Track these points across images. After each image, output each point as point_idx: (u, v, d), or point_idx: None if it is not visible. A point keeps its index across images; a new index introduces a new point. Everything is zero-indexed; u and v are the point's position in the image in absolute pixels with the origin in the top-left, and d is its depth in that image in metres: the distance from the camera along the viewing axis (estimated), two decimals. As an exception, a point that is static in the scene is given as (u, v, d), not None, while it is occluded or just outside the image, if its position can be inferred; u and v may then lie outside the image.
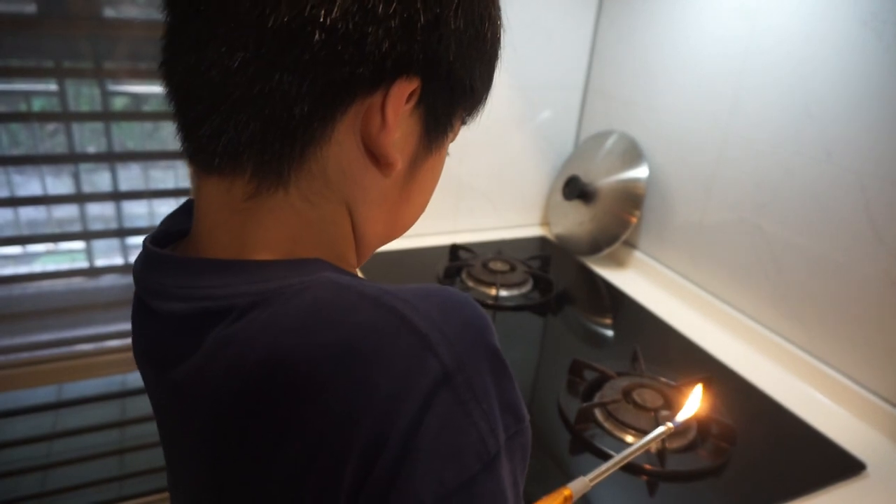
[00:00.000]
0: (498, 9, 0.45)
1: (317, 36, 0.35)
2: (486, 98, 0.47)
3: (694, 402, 0.72)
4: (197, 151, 0.39)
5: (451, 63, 0.40)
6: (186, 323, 0.38)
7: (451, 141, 0.48)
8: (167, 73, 0.39)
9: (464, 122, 0.48)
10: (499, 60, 0.47)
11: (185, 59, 0.37)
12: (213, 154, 0.38)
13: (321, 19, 0.34)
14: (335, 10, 0.34)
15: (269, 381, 0.33)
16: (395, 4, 0.36)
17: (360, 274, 0.44)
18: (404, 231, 0.50)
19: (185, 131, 0.39)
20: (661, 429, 0.68)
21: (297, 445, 0.32)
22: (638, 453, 0.65)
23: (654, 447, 0.80)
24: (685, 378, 0.92)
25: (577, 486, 0.62)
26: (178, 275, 0.39)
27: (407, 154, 0.42)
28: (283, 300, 0.35)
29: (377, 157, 0.40)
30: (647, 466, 0.77)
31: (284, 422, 0.32)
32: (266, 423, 0.33)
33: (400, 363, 0.31)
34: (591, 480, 0.62)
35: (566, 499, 0.61)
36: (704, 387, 0.73)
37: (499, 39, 0.45)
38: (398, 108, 0.38)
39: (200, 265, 0.39)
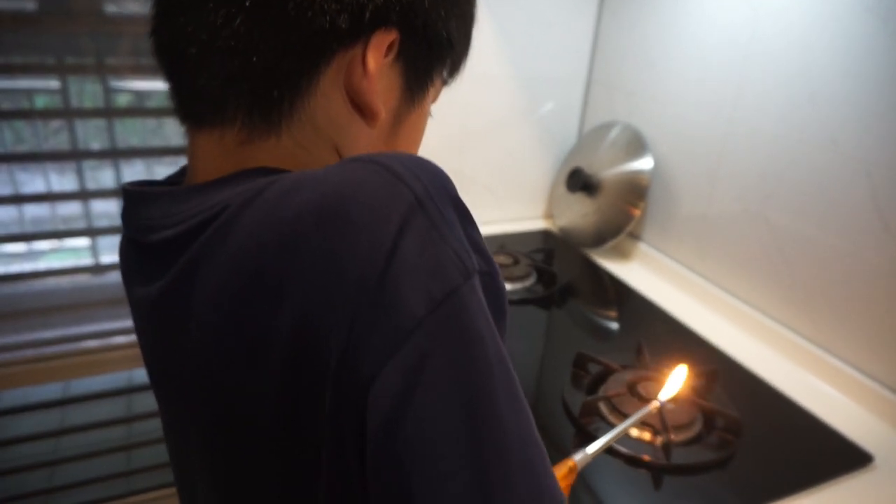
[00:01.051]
0: None
1: None
2: (465, 57, 0.49)
3: (677, 381, 0.79)
4: (189, 109, 0.42)
5: (427, 14, 0.42)
6: (179, 242, 0.39)
7: (434, 100, 0.49)
8: (157, 38, 0.41)
9: (445, 82, 0.49)
10: (475, 20, 0.49)
11: (173, 21, 0.39)
12: (203, 108, 0.40)
13: None
14: None
15: (259, 247, 0.34)
16: None
17: None
18: None
19: (177, 91, 0.42)
20: (648, 407, 0.76)
21: (297, 297, 0.32)
22: (630, 428, 0.73)
23: (659, 441, 0.79)
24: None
25: (580, 457, 0.67)
26: (166, 205, 0.41)
27: (390, 106, 0.44)
28: (270, 186, 0.35)
29: (361, 108, 0.42)
30: (653, 459, 0.77)
31: (277, 285, 0.33)
32: (262, 291, 0.33)
33: (378, 196, 0.32)
34: (591, 453, 0.68)
35: (571, 469, 0.65)
36: (689, 367, 0.81)
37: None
38: (378, 58, 0.41)
39: (188, 191, 0.40)
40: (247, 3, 0.37)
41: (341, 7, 0.38)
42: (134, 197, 0.43)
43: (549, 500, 0.33)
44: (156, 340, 0.45)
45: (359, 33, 0.40)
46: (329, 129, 0.42)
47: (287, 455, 0.35)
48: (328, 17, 0.38)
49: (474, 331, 0.32)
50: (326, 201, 0.32)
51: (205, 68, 0.39)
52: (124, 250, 0.48)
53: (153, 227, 0.41)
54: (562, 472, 0.65)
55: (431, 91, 0.47)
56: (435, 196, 0.34)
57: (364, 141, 0.44)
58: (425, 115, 0.49)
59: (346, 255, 0.31)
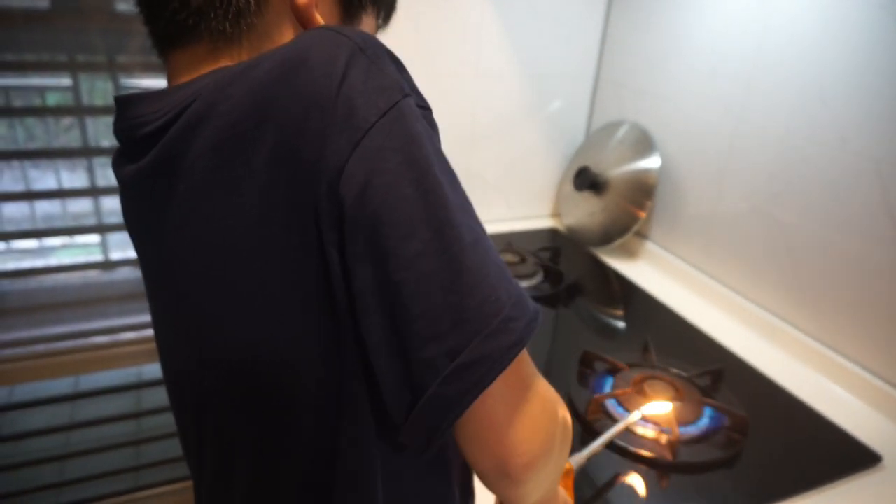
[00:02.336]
0: None
1: None
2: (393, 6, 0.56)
3: (663, 408, 0.82)
4: (163, 33, 0.47)
5: None
6: (164, 129, 0.45)
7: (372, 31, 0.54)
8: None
9: (379, 26, 0.55)
10: None
11: None
12: (174, 32, 0.46)
13: None
14: None
15: (235, 106, 0.41)
16: None
17: None
18: None
19: (153, 29, 0.48)
20: (636, 414, 0.80)
21: (271, 134, 0.39)
22: (619, 433, 0.77)
23: (665, 439, 0.79)
24: (697, 369, 0.91)
25: (576, 459, 0.70)
26: (152, 102, 0.46)
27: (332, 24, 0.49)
28: (236, 67, 0.42)
29: (304, 24, 0.47)
30: (659, 457, 0.77)
31: (254, 130, 0.40)
32: (241, 141, 0.40)
33: (327, 45, 0.40)
34: (587, 457, 0.72)
35: (567, 472, 0.67)
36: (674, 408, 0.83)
37: None
38: None
39: (174, 88, 0.46)
40: None
41: None
42: (122, 102, 0.49)
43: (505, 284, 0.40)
44: (141, 211, 0.50)
45: None
46: (280, 40, 0.46)
47: (286, 265, 0.41)
48: None
49: (415, 131, 0.40)
50: (287, 57, 0.40)
51: (170, 9, 0.45)
52: (116, 161, 0.52)
53: (142, 123, 0.46)
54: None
55: (365, 18, 0.52)
56: (372, 46, 0.41)
57: None
58: None
59: (309, 89, 0.39)
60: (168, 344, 0.54)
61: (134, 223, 0.53)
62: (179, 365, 0.53)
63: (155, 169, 0.46)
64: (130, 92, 0.49)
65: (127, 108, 0.48)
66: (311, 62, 0.39)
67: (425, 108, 0.43)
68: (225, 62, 0.46)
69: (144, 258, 0.53)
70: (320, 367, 0.42)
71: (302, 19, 0.47)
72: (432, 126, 0.43)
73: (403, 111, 0.40)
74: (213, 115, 0.41)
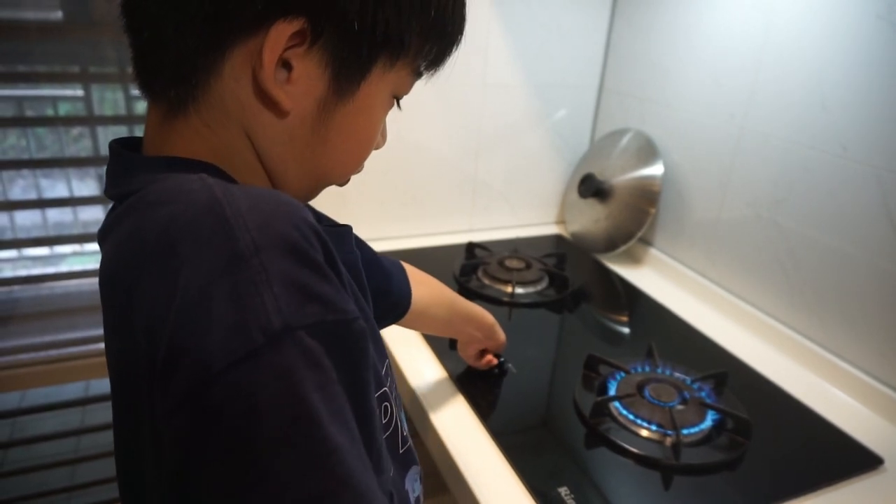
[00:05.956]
0: None
1: None
2: (443, 49, 0.47)
3: None
4: (140, 82, 0.44)
5: (344, 4, 0.40)
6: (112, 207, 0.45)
7: (403, 91, 0.48)
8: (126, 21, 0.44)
9: (418, 73, 0.48)
10: (444, 8, 0.45)
11: (127, 6, 0.42)
12: (145, 82, 0.43)
13: None
14: None
15: (117, 255, 0.39)
16: None
17: None
18: (341, 176, 0.51)
19: (135, 67, 0.44)
20: None
21: (139, 307, 0.35)
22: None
23: (669, 441, 0.80)
24: (700, 373, 0.92)
25: None
26: (117, 167, 0.45)
27: (312, 97, 0.43)
28: (144, 196, 0.39)
29: (264, 103, 0.42)
30: (662, 459, 0.78)
31: (127, 292, 0.36)
32: (119, 294, 0.38)
33: (205, 238, 0.33)
34: None
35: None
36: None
37: None
38: (275, 50, 0.39)
39: (130, 162, 0.44)
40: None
41: None
42: (111, 152, 0.47)
43: None
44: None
45: (257, 22, 0.39)
46: (239, 113, 0.42)
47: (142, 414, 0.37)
48: (228, 6, 0.38)
49: (263, 403, 0.31)
50: (166, 229, 0.35)
51: (146, 46, 0.42)
52: None
53: (109, 184, 0.46)
54: None
55: (381, 83, 0.45)
56: (263, 249, 0.33)
57: (279, 130, 0.44)
58: (371, 106, 0.47)
59: (167, 287, 0.33)
60: None
61: None
62: None
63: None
64: (120, 142, 0.48)
65: (111, 160, 0.47)
66: (183, 254, 0.33)
67: (336, 321, 0.35)
68: (176, 134, 0.43)
69: None
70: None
71: (262, 97, 0.42)
72: (349, 337, 0.36)
73: (260, 365, 0.31)
74: (109, 239, 0.41)
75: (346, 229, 0.52)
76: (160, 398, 0.32)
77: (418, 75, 0.49)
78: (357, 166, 0.51)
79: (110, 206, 0.45)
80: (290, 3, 0.39)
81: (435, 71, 0.49)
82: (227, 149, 0.44)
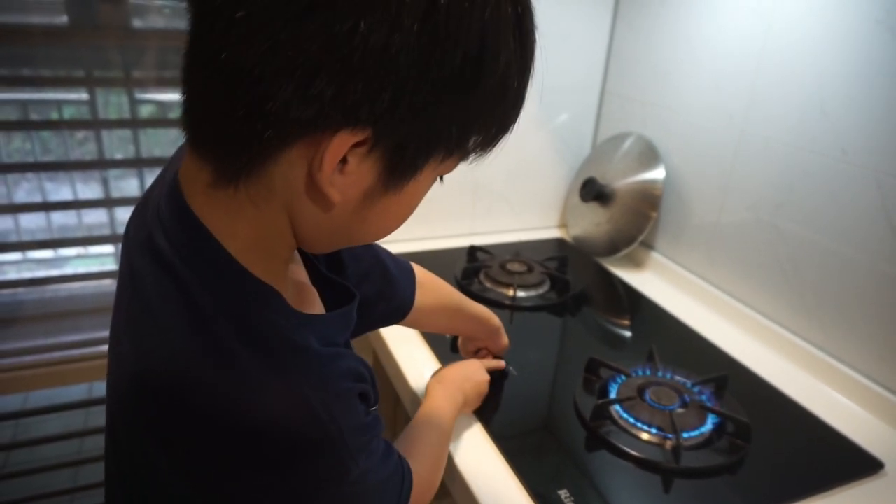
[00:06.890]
0: (494, 37, 0.40)
1: (255, 74, 0.37)
2: (482, 141, 0.48)
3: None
4: (187, 128, 0.44)
5: (411, 121, 0.40)
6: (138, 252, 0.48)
7: (445, 172, 0.49)
8: (183, 73, 0.43)
9: (465, 159, 0.49)
10: (510, 108, 0.47)
11: (187, 59, 0.42)
12: (193, 137, 0.44)
13: (258, 65, 0.37)
14: (278, 59, 0.37)
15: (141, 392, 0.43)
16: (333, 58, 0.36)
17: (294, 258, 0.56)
18: (370, 242, 0.54)
19: (184, 112, 0.44)
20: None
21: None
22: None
23: (669, 444, 0.80)
24: (701, 376, 0.93)
25: None
26: (145, 211, 0.49)
27: (360, 188, 0.44)
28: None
29: (312, 198, 0.43)
30: (662, 462, 0.78)
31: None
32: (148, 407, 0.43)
33: (303, 432, 0.42)
34: None
35: None
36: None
37: (495, 73, 0.42)
38: (337, 155, 0.40)
39: (167, 213, 0.46)
40: (222, 74, 0.39)
41: (303, 98, 0.37)
42: (169, 185, 0.47)
43: None
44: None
45: (322, 126, 0.39)
46: (286, 195, 0.43)
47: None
48: (284, 104, 0.38)
49: None
50: (271, 427, 0.41)
51: (201, 111, 0.42)
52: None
53: (137, 224, 0.49)
54: None
55: (431, 175, 0.47)
56: (346, 431, 0.43)
57: (324, 216, 0.45)
58: (416, 194, 0.48)
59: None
60: None
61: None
62: None
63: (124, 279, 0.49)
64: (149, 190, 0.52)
65: (146, 196, 0.51)
66: (301, 446, 0.42)
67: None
68: (218, 202, 0.43)
69: None
70: None
71: (313, 190, 0.42)
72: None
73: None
74: (151, 345, 0.44)
75: (350, 309, 0.54)
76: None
77: (466, 159, 0.49)
78: (383, 236, 0.51)
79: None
80: (360, 111, 0.38)
81: (484, 155, 0.50)
82: (267, 227, 0.45)
